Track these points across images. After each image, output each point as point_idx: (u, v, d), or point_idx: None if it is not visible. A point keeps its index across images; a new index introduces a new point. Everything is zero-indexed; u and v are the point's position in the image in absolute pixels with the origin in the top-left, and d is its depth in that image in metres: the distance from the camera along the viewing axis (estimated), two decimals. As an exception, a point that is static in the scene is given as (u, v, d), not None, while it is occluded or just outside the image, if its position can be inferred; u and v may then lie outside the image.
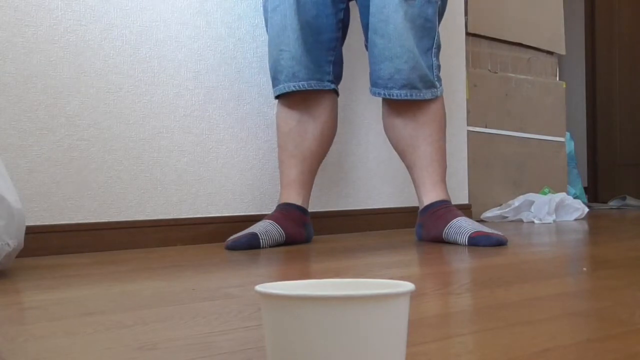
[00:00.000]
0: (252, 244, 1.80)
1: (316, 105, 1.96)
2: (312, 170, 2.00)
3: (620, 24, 4.62)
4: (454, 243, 1.83)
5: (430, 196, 1.94)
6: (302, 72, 1.89)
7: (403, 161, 2.02)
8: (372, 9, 1.83)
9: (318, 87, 1.93)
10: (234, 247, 1.80)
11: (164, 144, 2.01)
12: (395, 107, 1.93)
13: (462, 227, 1.83)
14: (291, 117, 1.96)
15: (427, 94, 1.88)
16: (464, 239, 1.80)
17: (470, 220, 1.89)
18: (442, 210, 1.90)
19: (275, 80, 1.93)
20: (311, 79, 1.91)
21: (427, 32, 1.86)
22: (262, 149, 2.20)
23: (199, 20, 2.09)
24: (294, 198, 1.96)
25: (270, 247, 1.83)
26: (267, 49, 2.22)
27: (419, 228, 1.97)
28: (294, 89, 1.90)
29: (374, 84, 1.89)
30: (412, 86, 1.85)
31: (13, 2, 1.77)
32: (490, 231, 1.81)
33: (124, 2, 1.95)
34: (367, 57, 1.92)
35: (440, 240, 1.88)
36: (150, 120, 1.98)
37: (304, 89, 1.91)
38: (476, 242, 1.77)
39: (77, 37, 1.86)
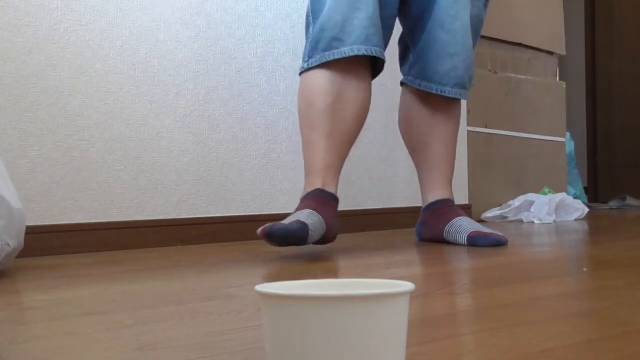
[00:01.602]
0: (302, 235, 1.49)
1: (359, 80, 1.71)
2: (345, 156, 1.75)
3: (620, 24, 4.62)
4: (454, 242, 1.83)
5: (436, 194, 1.92)
6: (376, 37, 1.66)
7: (413, 157, 1.98)
8: (442, 2, 1.77)
9: (383, 57, 1.71)
10: (281, 235, 1.46)
11: (164, 144, 2.00)
12: (419, 101, 1.91)
13: (462, 226, 1.82)
14: (330, 92, 1.68)
15: (467, 95, 1.89)
16: (463, 237, 1.79)
17: (472, 220, 1.89)
18: (445, 208, 1.89)
19: (335, 42, 1.64)
20: (382, 47, 1.68)
21: (476, 34, 1.88)
22: (262, 149, 2.20)
23: (199, 21, 2.09)
24: (330, 186, 1.67)
25: (313, 243, 1.60)
26: (267, 48, 2.23)
27: (420, 227, 1.96)
28: (365, 52, 1.64)
29: (428, 78, 1.84)
30: (462, 85, 1.85)
31: (13, 2, 1.77)
32: (489, 231, 1.80)
33: (124, 2, 1.95)
34: (416, 49, 1.86)
35: (440, 239, 1.87)
36: (150, 120, 1.98)
37: (374, 54, 1.66)
38: (474, 241, 1.76)
39: (77, 37, 1.86)
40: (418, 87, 1.87)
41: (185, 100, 2.05)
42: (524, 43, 3.15)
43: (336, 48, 1.64)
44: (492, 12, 2.98)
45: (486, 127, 2.96)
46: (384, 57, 1.72)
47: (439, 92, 1.84)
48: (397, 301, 0.51)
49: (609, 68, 4.65)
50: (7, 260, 1.36)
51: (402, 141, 2.03)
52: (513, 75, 3.10)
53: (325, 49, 1.65)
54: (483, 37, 2.95)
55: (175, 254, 1.76)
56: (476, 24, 1.87)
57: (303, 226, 1.49)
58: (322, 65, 1.67)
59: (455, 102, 1.92)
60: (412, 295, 0.52)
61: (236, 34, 2.17)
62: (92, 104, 1.88)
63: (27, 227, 1.45)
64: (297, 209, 1.61)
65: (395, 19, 1.84)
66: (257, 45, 2.21)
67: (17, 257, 1.42)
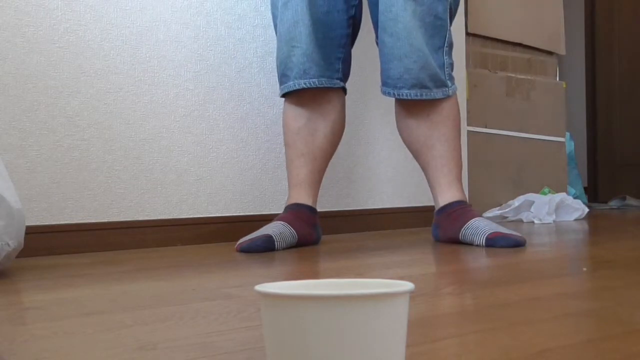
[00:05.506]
0: (267, 246, 1.74)
1: (326, 103, 1.92)
2: (322, 170, 1.96)
3: (620, 24, 4.62)
4: (470, 244, 1.79)
5: (446, 197, 1.89)
6: (314, 69, 1.86)
7: (417, 161, 1.97)
8: (380, 7, 1.81)
9: (328, 85, 1.89)
10: (249, 250, 1.73)
11: (164, 144, 2.01)
12: (408, 107, 1.90)
13: (479, 227, 1.78)
14: (301, 115, 1.92)
15: (437, 94, 1.84)
16: (481, 239, 1.76)
17: (488, 220, 1.85)
18: (459, 210, 1.86)
19: (284, 78, 1.89)
20: (322, 77, 1.87)
21: (437, 30, 1.83)
22: (262, 149, 2.20)
23: (199, 21, 2.09)
24: (304, 198, 1.91)
25: (283, 249, 1.78)
26: (267, 48, 2.23)
27: (435, 229, 1.93)
28: (304, 86, 1.86)
29: (384, 83, 1.86)
30: (421, 85, 1.82)
31: (13, 2, 1.77)
32: (507, 231, 1.77)
33: (124, 2, 1.95)
34: (378, 55, 1.89)
35: (456, 241, 1.84)
36: (150, 120, 1.98)
37: (314, 86, 1.87)
38: (494, 242, 1.73)
39: (77, 37, 1.86)
40: (383, 94, 1.88)
41: (185, 100, 2.05)
42: (524, 43, 3.15)
43: (285, 83, 1.89)
44: (492, 12, 2.98)
45: (486, 127, 2.96)
46: (325, 84, 1.88)
47: (397, 96, 1.85)
48: (397, 301, 0.51)
49: (609, 68, 4.65)
50: (7, 260, 1.36)
51: (402, 141, 2.02)
52: (513, 75, 3.10)
53: (282, 83, 1.91)
54: (483, 37, 2.96)
55: (175, 254, 1.76)
56: (432, 21, 1.81)
57: (267, 238, 1.75)
58: (288, 94, 1.91)
59: (445, 101, 1.88)
60: (412, 295, 0.52)
61: (236, 34, 2.17)
62: (92, 104, 1.88)
63: (27, 227, 1.45)
64: (275, 219, 1.85)
65: (348, 37, 1.93)
66: (257, 45, 2.21)
67: (17, 257, 1.42)
